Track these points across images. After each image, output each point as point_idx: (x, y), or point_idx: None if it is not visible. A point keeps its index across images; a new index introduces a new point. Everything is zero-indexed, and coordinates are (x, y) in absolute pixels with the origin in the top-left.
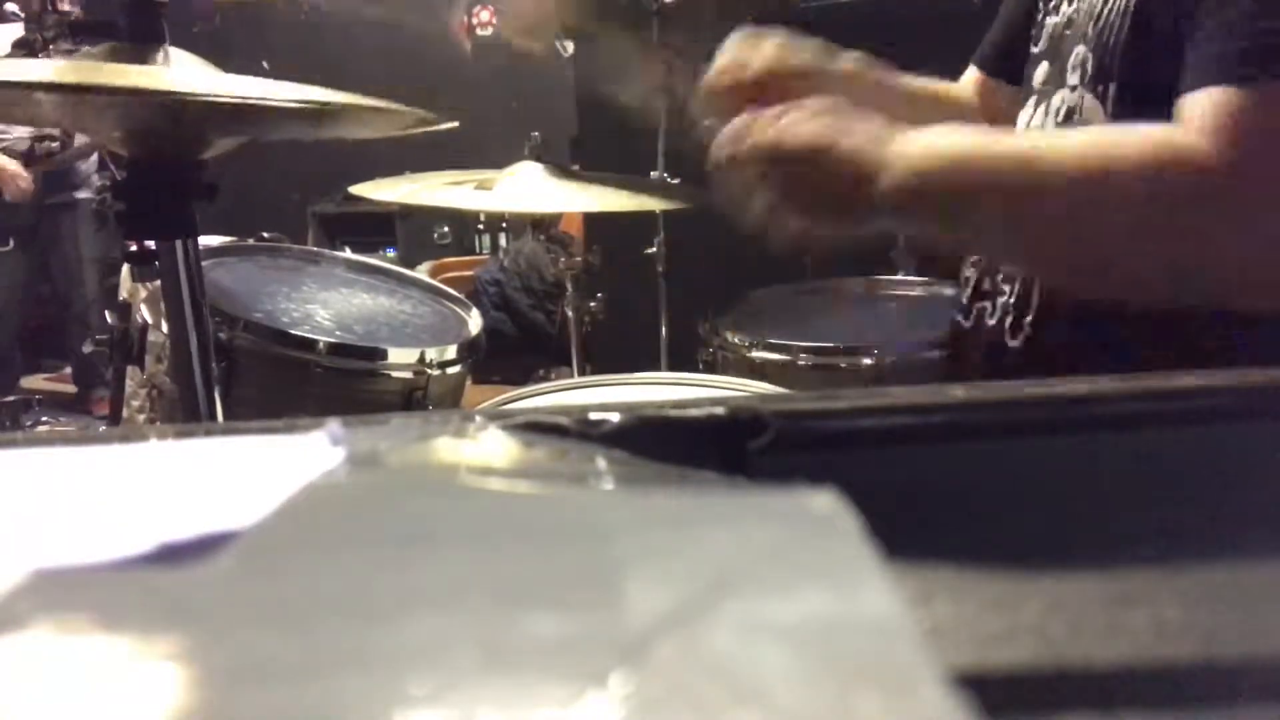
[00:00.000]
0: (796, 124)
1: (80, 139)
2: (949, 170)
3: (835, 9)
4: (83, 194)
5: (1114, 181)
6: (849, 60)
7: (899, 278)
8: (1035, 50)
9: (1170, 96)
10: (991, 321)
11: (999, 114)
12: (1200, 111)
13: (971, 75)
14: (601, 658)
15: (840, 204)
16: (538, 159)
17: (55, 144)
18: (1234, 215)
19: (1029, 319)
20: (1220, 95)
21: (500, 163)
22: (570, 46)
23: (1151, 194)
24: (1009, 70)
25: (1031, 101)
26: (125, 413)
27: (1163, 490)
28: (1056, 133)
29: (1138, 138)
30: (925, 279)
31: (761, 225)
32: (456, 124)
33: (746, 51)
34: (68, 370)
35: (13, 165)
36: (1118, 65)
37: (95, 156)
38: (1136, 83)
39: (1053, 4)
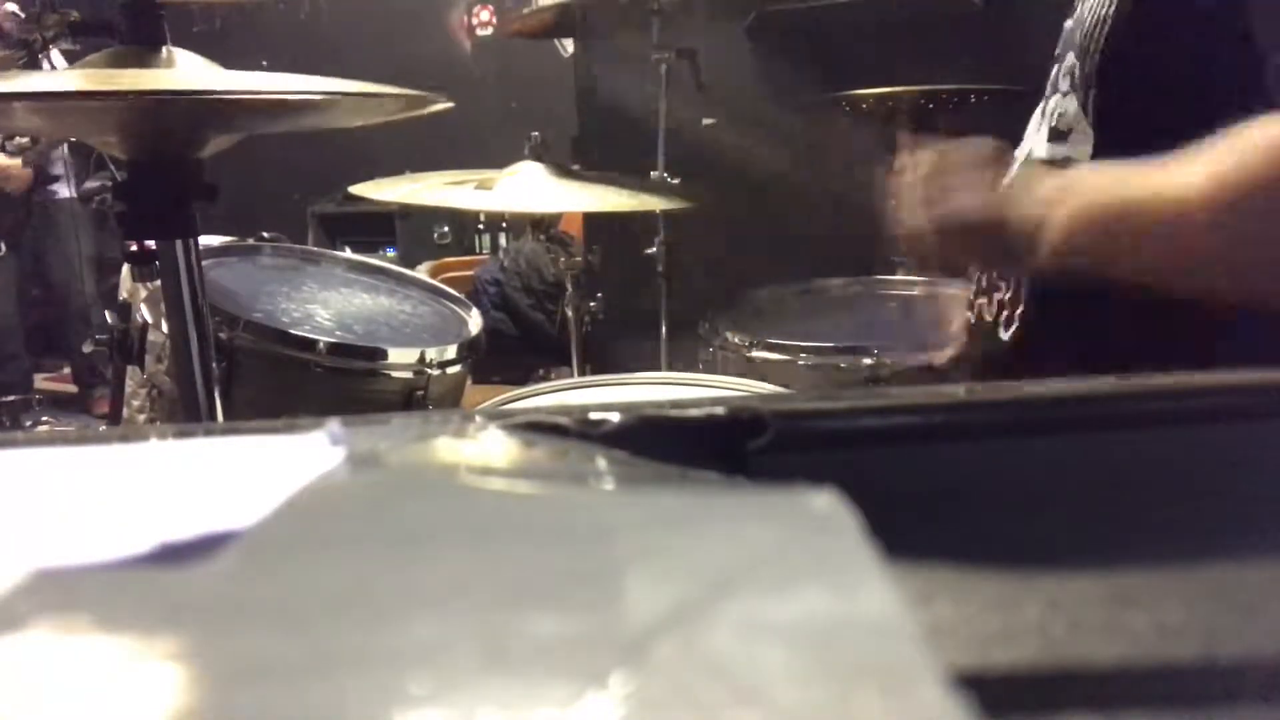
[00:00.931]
0: (964, 202)
1: None
2: (1095, 227)
3: (835, 9)
4: (65, 192)
5: (1245, 201)
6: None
7: (899, 278)
8: (1057, 52)
9: (1148, 104)
10: (989, 317)
11: None
12: None
13: None
14: (601, 658)
15: (1002, 263)
16: (538, 159)
17: (26, 139)
18: None
19: (1019, 310)
20: None
21: (500, 163)
22: (570, 46)
23: None
24: None
25: (1039, 105)
26: (125, 413)
27: (1163, 490)
28: (1183, 163)
29: (1258, 152)
30: (925, 279)
31: (923, 262)
32: (452, 105)
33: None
34: (67, 370)
35: (9, 161)
36: (1097, 71)
37: (65, 148)
38: (1114, 90)
39: (1073, 8)
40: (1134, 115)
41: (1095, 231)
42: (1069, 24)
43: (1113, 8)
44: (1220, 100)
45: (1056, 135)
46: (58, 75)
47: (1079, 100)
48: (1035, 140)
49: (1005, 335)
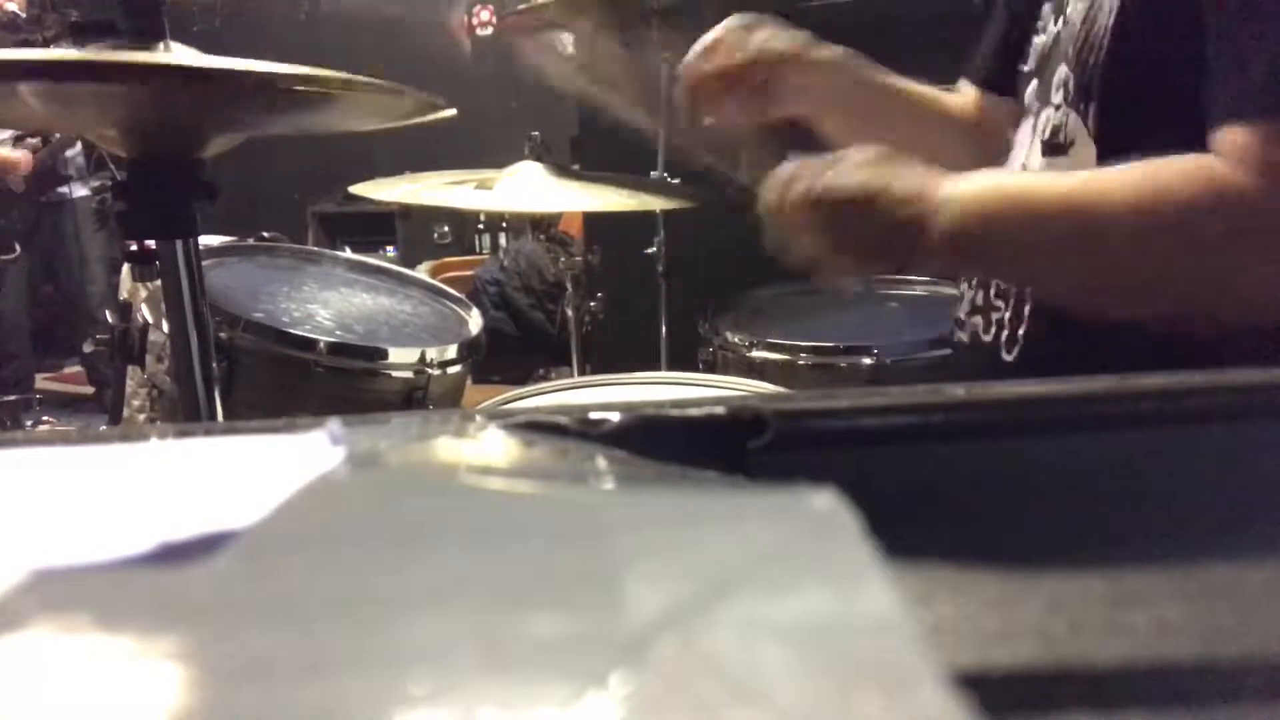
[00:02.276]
0: (846, 171)
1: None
2: (1000, 214)
3: (835, 9)
4: (79, 191)
5: (1164, 218)
6: (830, 52)
7: (899, 278)
8: (1025, 69)
9: (1150, 116)
10: (987, 337)
11: (994, 125)
12: (1238, 144)
13: (968, 90)
14: (601, 658)
15: (890, 248)
16: (538, 159)
17: (36, 139)
18: (1271, 243)
19: (1022, 331)
20: (1256, 130)
21: (500, 163)
22: (570, 47)
23: (1201, 229)
24: (999, 83)
25: (1024, 120)
26: (125, 412)
27: (1163, 490)
28: (1100, 172)
29: (1183, 175)
30: (925, 279)
31: (810, 266)
32: (455, 112)
33: (735, 36)
34: (67, 369)
35: (15, 154)
36: (1097, 85)
37: (80, 147)
38: (1117, 102)
39: (1040, 24)
40: (1138, 126)
41: (999, 220)
42: (1041, 39)
43: (1112, 18)
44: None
45: (1054, 149)
46: (60, 53)
47: (1079, 113)
48: (1028, 156)
49: (1008, 357)
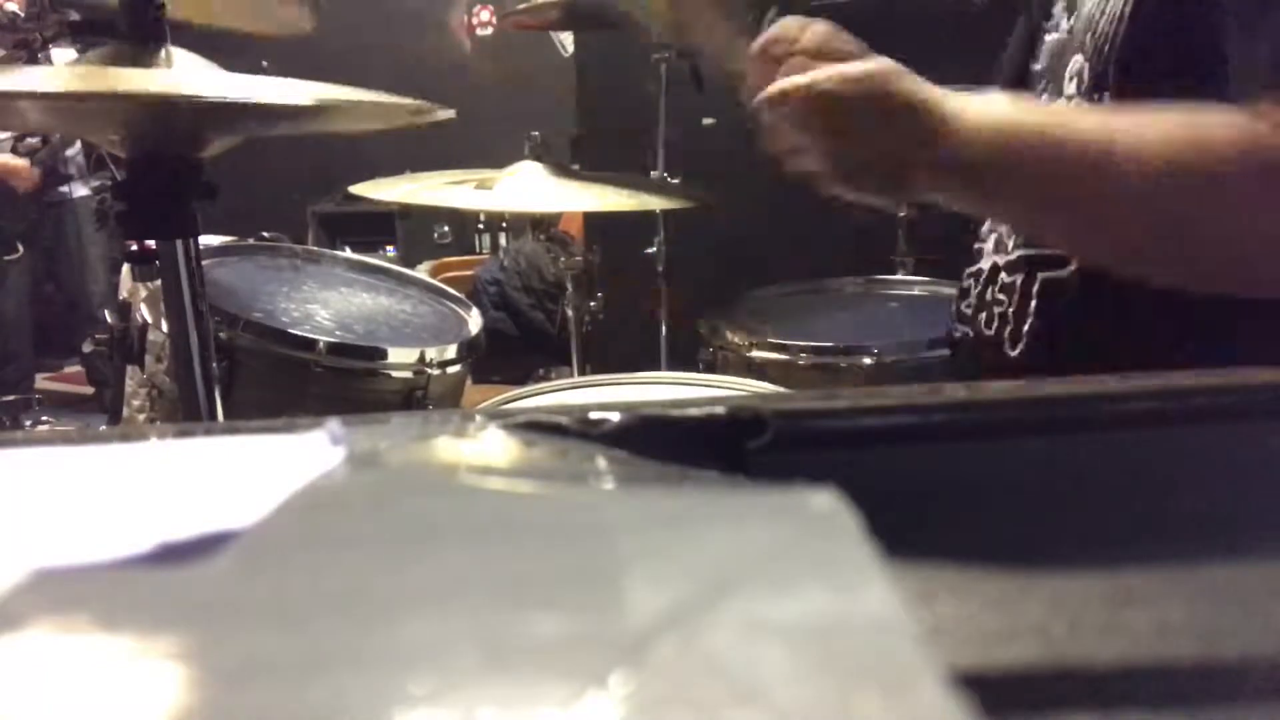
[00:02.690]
0: (856, 69)
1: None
2: (1024, 148)
3: (836, 9)
4: (80, 191)
5: (1199, 168)
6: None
7: (899, 278)
8: (1037, 68)
9: (1166, 104)
10: (989, 331)
11: None
12: (1274, 113)
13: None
14: (601, 658)
15: (898, 163)
16: (538, 159)
17: (37, 139)
18: None
19: (1027, 327)
20: None
21: (500, 162)
22: (570, 46)
23: (1236, 183)
24: (1027, 84)
25: None
26: (125, 412)
27: (1163, 490)
28: (1135, 112)
29: (1223, 126)
30: (925, 279)
31: (804, 175)
32: (454, 113)
33: (796, 30)
34: (67, 369)
35: (17, 161)
36: (1113, 74)
37: (79, 146)
38: (1129, 92)
39: (1054, 21)
40: None
41: (1022, 153)
42: (1053, 36)
43: (1129, 6)
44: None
45: None
46: (55, 71)
47: (1092, 103)
48: None
49: (1013, 353)
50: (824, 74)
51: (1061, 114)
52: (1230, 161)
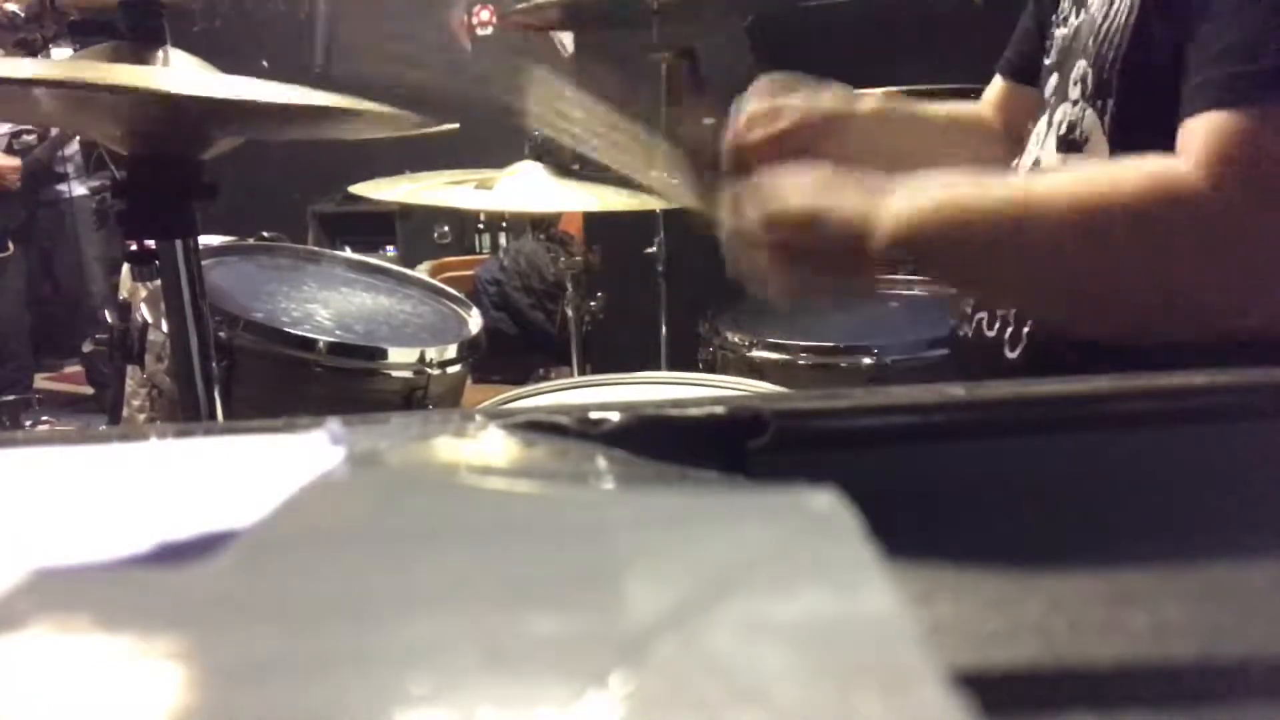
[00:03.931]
0: (789, 193)
1: (55, 130)
2: (940, 221)
3: (835, 9)
4: (78, 190)
5: (1108, 218)
6: (870, 102)
7: (899, 277)
8: (1047, 62)
9: (1169, 115)
10: (990, 333)
11: (1026, 118)
12: (1195, 138)
13: (996, 85)
14: (601, 657)
15: (838, 264)
16: (538, 158)
17: (32, 137)
18: (1227, 240)
19: (1027, 329)
20: (1214, 120)
21: (500, 162)
22: (570, 46)
23: (1146, 228)
24: (1029, 74)
25: (1041, 114)
26: (125, 412)
27: (1163, 490)
28: (1049, 174)
29: (1132, 172)
30: (925, 279)
31: (766, 287)
32: (457, 126)
33: (772, 101)
34: (67, 369)
35: (4, 161)
36: (1116, 81)
37: (77, 145)
38: (1134, 100)
39: (1063, 15)
40: (1153, 126)
41: (937, 230)
42: (1063, 32)
43: (1134, 16)
44: None
45: (1070, 145)
46: (59, 61)
47: (1095, 110)
48: (1042, 151)
49: (1012, 355)
50: (768, 208)
51: (979, 190)
52: (1140, 203)
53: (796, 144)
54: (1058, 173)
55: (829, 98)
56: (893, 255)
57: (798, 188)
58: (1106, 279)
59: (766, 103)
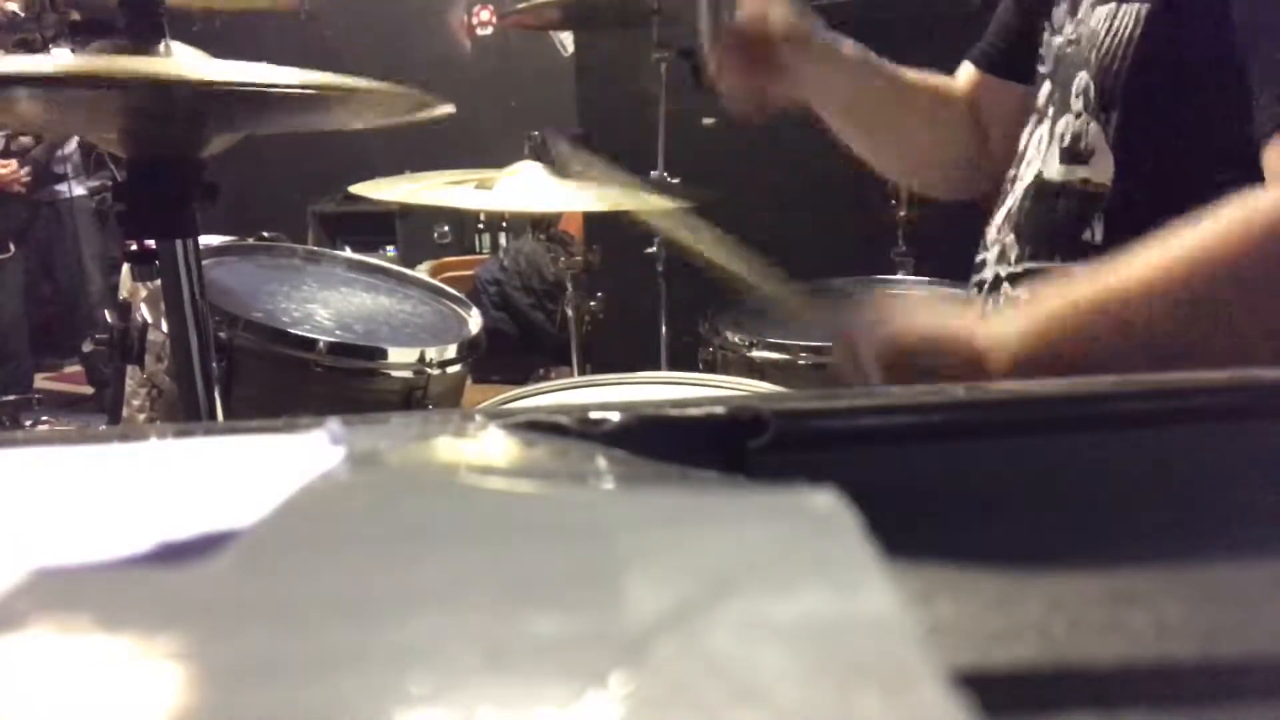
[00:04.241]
0: (900, 334)
1: None
2: (1063, 332)
3: (835, 8)
4: (77, 190)
5: (1210, 276)
6: (840, 42)
7: (899, 278)
8: (1042, 70)
9: (1173, 126)
10: None
11: (995, 111)
12: (1276, 161)
13: (966, 70)
14: (601, 657)
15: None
16: (538, 159)
17: (29, 138)
18: None
19: None
20: None
21: (500, 162)
22: (570, 46)
23: (1251, 266)
24: (1010, 69)
25: (1034, 121)
26: (125, 412)
27: (1163, 490)
28: (1133, 257)
29: (1217, 223)
30: (925, 279)
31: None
32: (453, 108)
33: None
34: (67, 369)
35: (8, 164)
36: (1121, 93)
37: (75, 145)
38: (1139, 112)
39: (1057, 24)
40: (1159, 138)
41: (1066, 332)
42: (1058, 40)
43: (1139, 27)
44: (1248, 121)
45: (1074, 157)
46: (53, 61)
47: (1099, 121)
48: (1043, 162)
49: None
50: (883, 347)
51: (1080, 299)
52: (1245, 256)
53: (772, 56)
54: (1138, 257)
55: (795, 19)
56: (1005, 372)
57: (906, 324)
58: (1229, 326)
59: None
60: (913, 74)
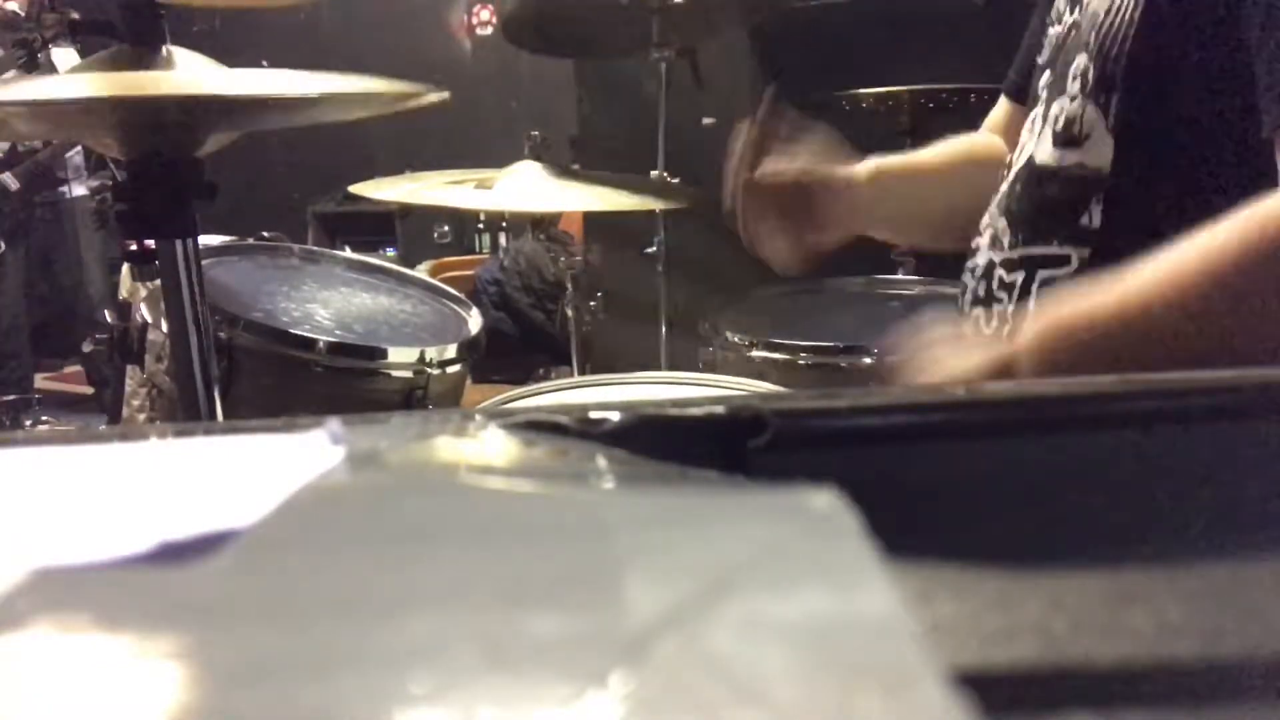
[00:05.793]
0: (956, 359)
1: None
2: (1091, 340)
3: (835, 8)
4: (76, 191)
5: (1221, 278)
6: (865, 167)
7: (899, 277)
8: (1040, 61)
9: (1174, 108)
10: (988, 331)
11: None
12: None
13: (1001, 108)
14: (601, 657)
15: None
16: (538, 159)
17: (35, 143)
18: None
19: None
20: None
21: (500, 162)
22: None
23: (1263, 265)
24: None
25: (1034, 110)
26: (125, 412)
27: (1163, 490)
28: (1143, 268)
29: (1229, 225)
30: (925, 279)
31: None
32: (447, 94)
33: (774, 151)
34: (67, 369)
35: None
36: (1121, 75)
37: (79, 147)
38: (1140, 94)
39: (1057, 14)
40: (1160, 121)
41: (1074, 354)
42: (1056, 30)
43: (1139, 10)
44: (1252, 106)
45: (1067, 141)
46: (55, 80)
47: (1097, 105)
48: (1036, 146)
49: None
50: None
51: (1091, 309)
52: (1244, 253)
53: (793, 203)
54: (1149, 268)
55: (826, 153)
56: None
57: (948, 359)
58: (1250, 324)
59: (767, 148)
60: (940, 158)
